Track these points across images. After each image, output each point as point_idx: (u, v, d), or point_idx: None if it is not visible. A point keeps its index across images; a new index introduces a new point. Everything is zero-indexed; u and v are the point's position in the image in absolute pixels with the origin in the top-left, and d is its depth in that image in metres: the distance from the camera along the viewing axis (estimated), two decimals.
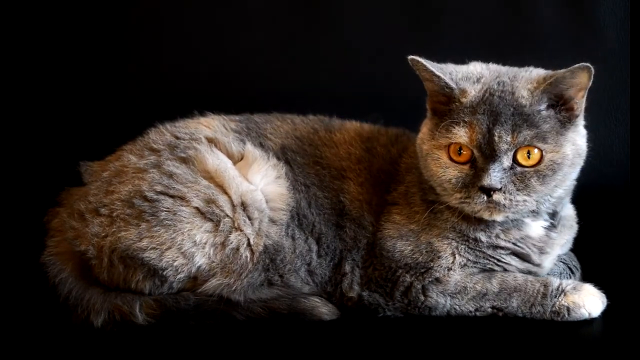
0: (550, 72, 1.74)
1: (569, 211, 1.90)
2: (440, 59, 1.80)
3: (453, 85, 1.72)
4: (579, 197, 1.93)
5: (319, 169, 1.91)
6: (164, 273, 1.76)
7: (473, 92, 1.72)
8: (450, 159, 1.72)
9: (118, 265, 1.77)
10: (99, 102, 2.60)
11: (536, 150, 1.67)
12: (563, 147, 1.69)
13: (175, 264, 1.75)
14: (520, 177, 1.67)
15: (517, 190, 1.68)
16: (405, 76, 1.86)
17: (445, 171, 1.72)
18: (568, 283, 1.76)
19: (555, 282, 1.76)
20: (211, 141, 1.87)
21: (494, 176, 1.66)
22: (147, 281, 1.78)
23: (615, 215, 2.33)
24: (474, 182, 1.69)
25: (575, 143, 1.72)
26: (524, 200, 1.68)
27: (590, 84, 1.69)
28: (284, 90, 2.55)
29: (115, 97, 2.60)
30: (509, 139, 1.66)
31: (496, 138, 1.66)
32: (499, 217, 1.73)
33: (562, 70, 1.67)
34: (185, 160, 1.81)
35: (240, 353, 1.68)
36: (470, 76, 1.75)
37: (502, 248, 1.78)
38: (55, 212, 1.90)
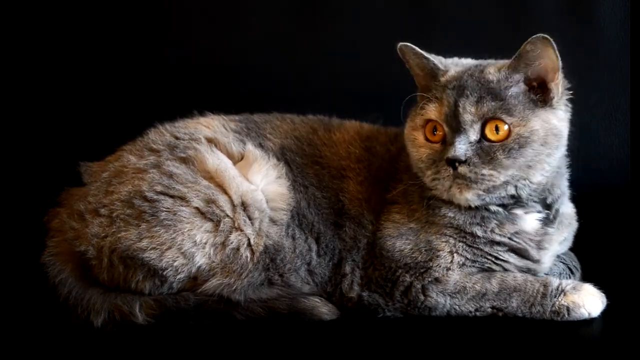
0: None
1: (567, 209, 1.90)
2: None
3: (441, 66, 1.77)
4: (579, 197, 1.93)
5: (318, 169, 1.91)
6: (164, 273, 1.76)
7: (452, 72, 1.76)
8: (426, 139, 1.76)
9: (118, 266, 1.77)
10: (99, 102, 2.60)
11: (506, 127, 1.68)
12: (530, 121, 1.69)
13: (175, 264, 1.75)
14: (487, 151, 1.69)
15: (483, 163, 1.68)
16: (405, 76, 1.86)
17: (419, 150, 1.76)
18: (568, 283, 1.76)
19: (554, 282, 1.75)
20: (211, 141, 1.88)
21: (459, 148, 1.68)
22: (147, 281, 1.78)
23: (615, 215, 2.33)
24: (441, 157, 1.71)
25: (549, 122, 1.72)
26: (490, 174, 1.68)
27: (561, 63, 1.70)
28: (284, 90, 2.55)
29: (115, 97, 2.60)
30: (472, 109, 1.68)
31: (460, 109, 1.69)
32: (469, 195, 1.72)
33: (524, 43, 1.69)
34: (185, 161, 1.81)
35: (240, 353, 1.68)
36: (457, 62, 1.81)
37: (498, 244, 1.78)
38: (55, 213, 1.90)
